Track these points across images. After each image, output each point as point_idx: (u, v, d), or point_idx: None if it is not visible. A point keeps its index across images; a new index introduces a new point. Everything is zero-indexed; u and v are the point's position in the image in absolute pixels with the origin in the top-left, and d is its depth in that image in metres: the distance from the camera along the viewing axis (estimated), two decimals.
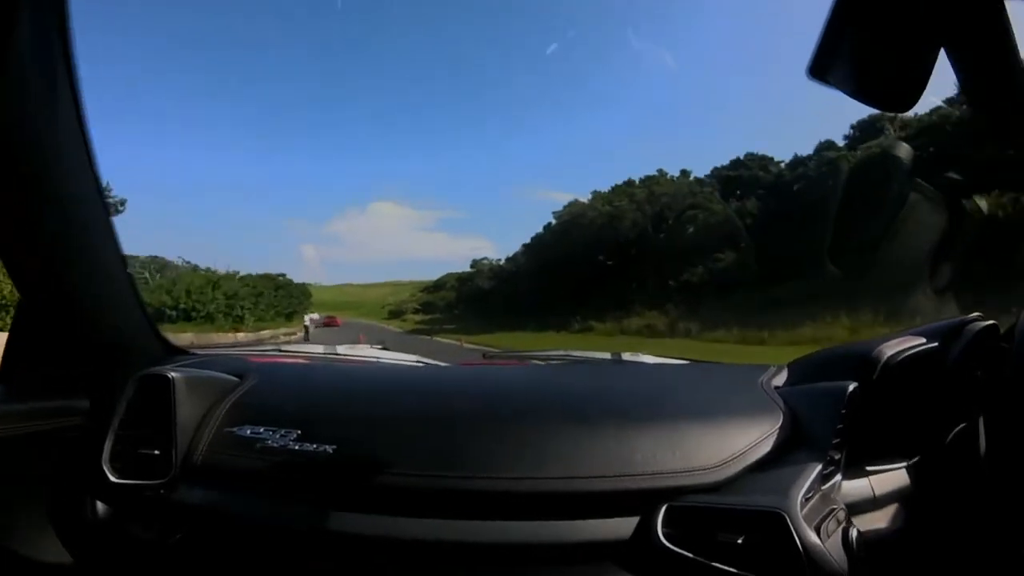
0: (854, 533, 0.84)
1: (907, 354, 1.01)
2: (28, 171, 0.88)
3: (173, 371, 1.04)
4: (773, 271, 20.48)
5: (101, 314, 1.09)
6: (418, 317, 57.80)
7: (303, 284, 55.78)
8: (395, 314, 69.15)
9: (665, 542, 0.80)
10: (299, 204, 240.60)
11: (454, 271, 69.90)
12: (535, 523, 0.87)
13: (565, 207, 40.16)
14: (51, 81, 0.87)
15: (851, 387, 0.96)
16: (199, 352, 1.35)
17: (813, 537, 0.75)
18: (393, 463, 0.92)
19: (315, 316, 47.99)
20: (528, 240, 48.08)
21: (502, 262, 53.44)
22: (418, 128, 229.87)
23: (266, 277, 44.41)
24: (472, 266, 58.68)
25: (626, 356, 1.62)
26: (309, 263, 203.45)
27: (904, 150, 3.64)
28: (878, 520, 0.94)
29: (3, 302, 10.67)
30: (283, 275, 49.88)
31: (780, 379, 1.16)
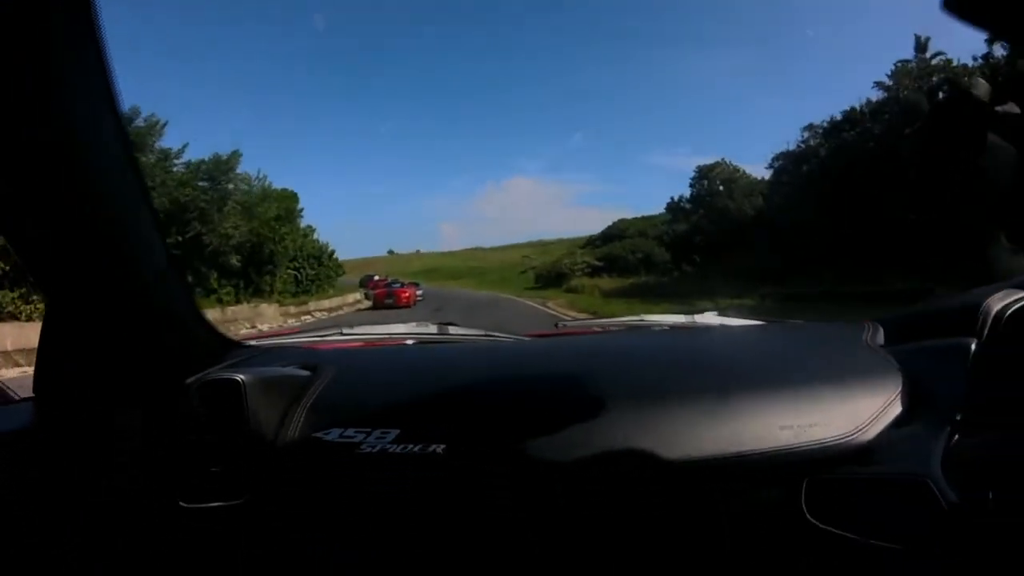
0: (990, 495, 0.88)
1: (1016, 306, 1.03)
2: (52, 156, 0.77)
3: (242, 373, 0.95)
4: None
5: (144, 310, 0.96)
6: (607, 283, 38.59)
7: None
8: (548, 280, 49.78)
9: (811, 518, 0.85)
10: (440, 181, 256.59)
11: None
12: (677, 504, 0.91)
13: None
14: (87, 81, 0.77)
15: (973, 344, 0.99)
16: (255, 344, 1.30)
17: (956, 499, 0.80)
18: (518, 455, 0.91)
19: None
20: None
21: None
22: (548, 103, 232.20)
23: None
24: (700, 175, 41.00)
25: (699, 319, 1.66)
26: (448, 239, 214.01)
27: (981, 86, 0.77)
28: (1011, 479, 0.92)
29: None
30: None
31: (880, 337, 1.17)
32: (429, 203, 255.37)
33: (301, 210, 33.33)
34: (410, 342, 1.53)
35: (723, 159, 40.61)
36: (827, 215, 22.65)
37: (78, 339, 0.96)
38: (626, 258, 42.54)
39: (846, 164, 23.05)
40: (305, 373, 1.06)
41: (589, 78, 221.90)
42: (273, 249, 27.84)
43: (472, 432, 0.94)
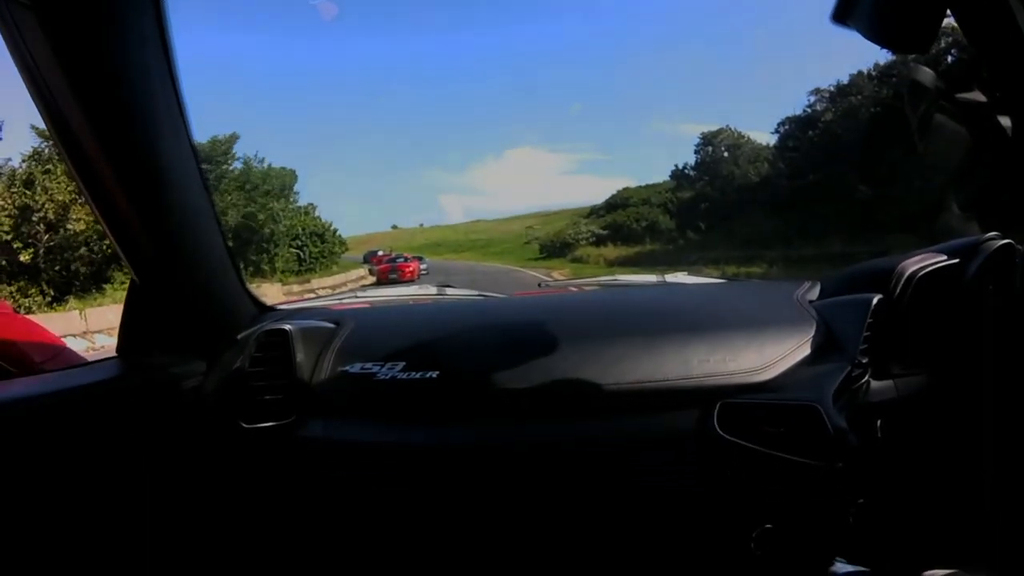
0: (878, 423, 1.15)
1: (927, 269, 1.21)
2: (134, 158, 1.01)
3: (288, 324, 1.25)
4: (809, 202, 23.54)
5: (206, 283, 1.26)
6: (612, 252, 38.64)
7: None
8: (552, 250, 49.31)
9: (720, 432, 1.05)
10: (439, 155, 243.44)
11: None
12: (613, 421, 1.12)
13: None
14: (148, 69, 0.98)
15: (875, 299, 1.18)
16: (285, 308, 1.58)
17: (842, 424, 0.99)
18: (491, 380, 1.16)
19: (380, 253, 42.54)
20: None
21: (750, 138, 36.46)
22: (547, 68, 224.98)
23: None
24: (705, 141, 39.97)
25: (669, 278, 1.89)
26: (450, 213, 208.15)
27: (926, 74, 0.81)
28: (900, 417, 1.18)
29: None
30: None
31: (813, 293, 1.38)
32: (430, 177, 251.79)
33: (296, 192, 33.16)
34: (413, 302, 1.86)
35: (727, 125, 39.79)
36: (835, 180, 22.39)
37: (155, 308, 1.23)
38: (631, 227, 41.66)
39: (854, 128, 22.72)
40: (332, 326, 1.34)
41: (586, 44, 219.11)
42: (273, 229, 27.73)
43: (458, 363, 1.21)
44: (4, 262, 17.49)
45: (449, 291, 1.88)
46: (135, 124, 0.98)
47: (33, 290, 18.24)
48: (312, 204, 37.70)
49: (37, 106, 0.91)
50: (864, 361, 1.16)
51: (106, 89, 0.92)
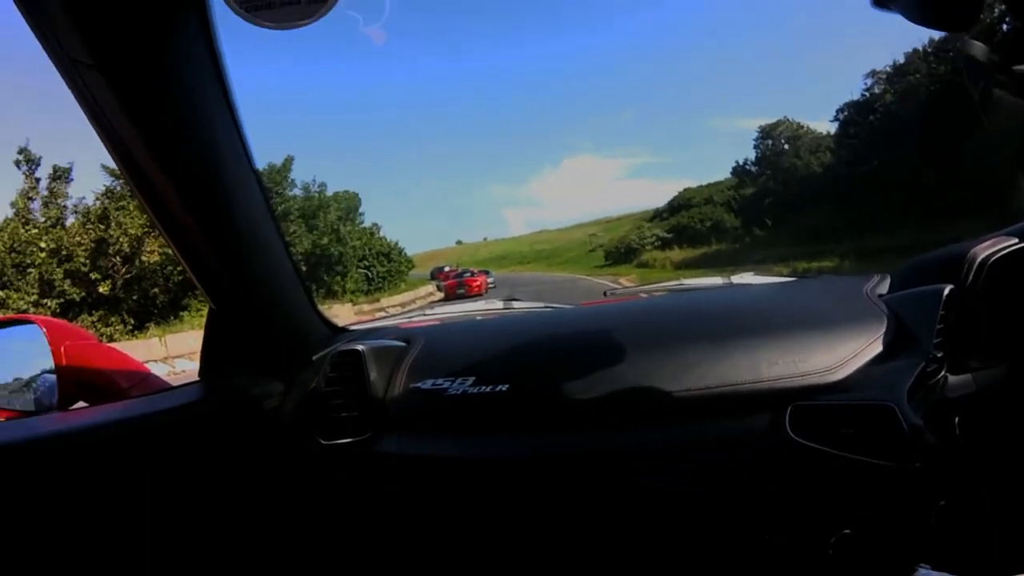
0: (957, 421, 1.10)
1: (1000, 254, 1.15)
2: (202, 193, 1.04)
3: (360, 344, 1.27)
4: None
5: (279, 307, 1.30)
6: (678, 255, 38.08)
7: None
8: (617, 256, 49.43)
9: (793, 436, 1.01)
10: (495, 167, 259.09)
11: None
12: (684, 427, 1.10)
13: None
14: (210, 109, 0.99)
15: (947, 290, 1.13)
16: (357, 328, 1.60)
17: (919, 423, 0.94)
18: (561, 391, 1.16)
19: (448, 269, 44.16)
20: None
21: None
22: (595, 76, 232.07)
23: None
24: (763, 134, 38.93)
25: (735, 279, 1.89)
26: (513, 225, 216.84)
27: (978, 48, 0.68)
28: (981, 412, 1.12)
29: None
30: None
31: (883, 287, 1.34)
32: (490, 191, 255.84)
33: (362, 213, 34.12)
34: (480, 317, 1.86)
35: (785, 117, 38.61)
36: (900, 164, 21.59)
37: (233, 333, 1.28)
38: (695, 227, 41.12)
39: (915, 108, 21.89)
40: (402, 344, 1.36)
41: (631, 47, 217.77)
42: (342, 251, 28.66)
43: (528, 375, 1.20)
44: (84, 293, 18.74)
45: (515, 304, 1.91)
46: (200, 161, 1.02)
47: (114, 319, 19.40)
48: (376, 224, 38.56)
49: (108, 150, 0.97)
50: (939, 355, 1.11)
51: (171, 131, 0.96)
